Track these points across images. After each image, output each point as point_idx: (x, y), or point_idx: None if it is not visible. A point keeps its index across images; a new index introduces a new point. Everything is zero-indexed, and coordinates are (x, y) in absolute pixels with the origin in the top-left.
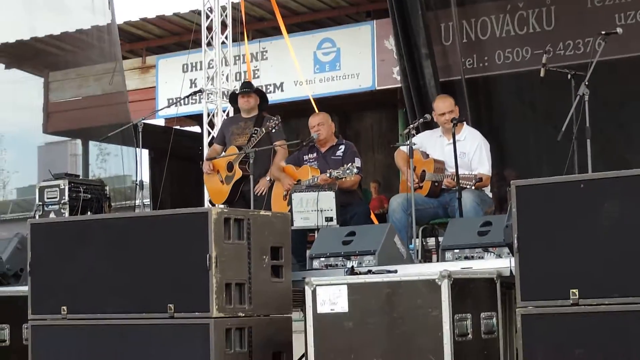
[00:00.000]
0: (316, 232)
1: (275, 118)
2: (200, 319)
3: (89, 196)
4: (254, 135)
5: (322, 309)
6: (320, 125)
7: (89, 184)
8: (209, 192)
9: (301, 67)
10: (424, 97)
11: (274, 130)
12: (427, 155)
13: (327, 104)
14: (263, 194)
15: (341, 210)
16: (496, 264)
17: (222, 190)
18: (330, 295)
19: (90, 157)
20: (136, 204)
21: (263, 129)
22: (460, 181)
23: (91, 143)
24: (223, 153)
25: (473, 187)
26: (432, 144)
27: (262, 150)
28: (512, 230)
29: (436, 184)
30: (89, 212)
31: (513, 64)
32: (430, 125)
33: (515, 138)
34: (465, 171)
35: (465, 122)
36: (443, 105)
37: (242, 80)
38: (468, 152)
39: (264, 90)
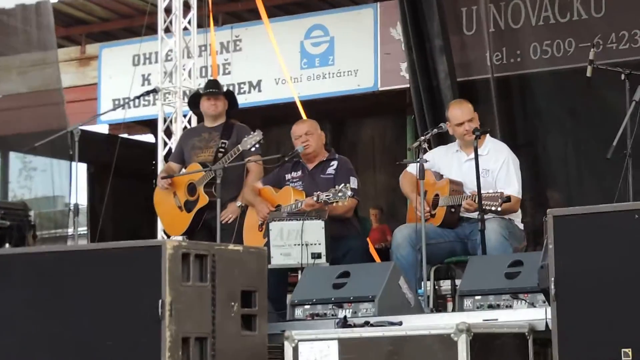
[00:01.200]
0: (300, 272)
1: (255, 133)
2: None
3: (8, 223)
4: (221, 149)
5: None
6: (308, 135)
7: (8, 207)
8: (163, 220)
9: (284, 61)
10: (437, 101)
11: (252, 149)
12: (441, 177)
13: (317, 108)
14: (232, 222)
15: (332, 245)
16: (528, 315)
17: (180, 218)
18: (316, 354)
19: (11, 172)
20: (69, 234)
21: (239, 146)
22: (483, 202)
23: (12, 154)
24: (183, 170)
25: (499, 209)
26: (446, 162)
27: (232, 168)
28: (549, 272)
29: (452, 210)
30: (7, 245)
31: (552, 60)
32: (445, 138)
33: (554, 154)
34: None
35: (488, 134)
36: (460, 113)
37: (209, 78)
38: (492, 170)
39: (236, 90)
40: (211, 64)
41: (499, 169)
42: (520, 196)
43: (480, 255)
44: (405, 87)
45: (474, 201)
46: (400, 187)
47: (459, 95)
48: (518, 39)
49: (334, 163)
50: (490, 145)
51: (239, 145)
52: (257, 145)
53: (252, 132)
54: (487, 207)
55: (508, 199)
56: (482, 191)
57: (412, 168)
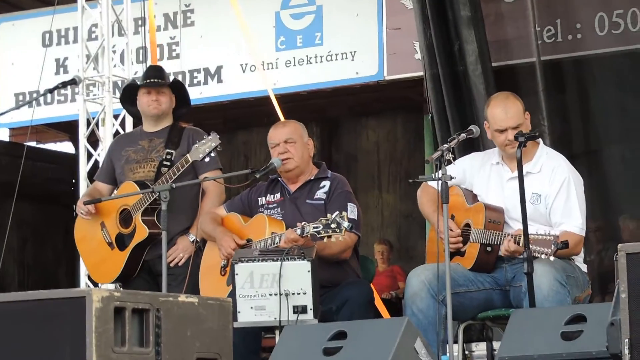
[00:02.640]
0: (277, 332)
1: (210, 137)
2: None
3: None
4: (165, 163)
5: None
6: (289, 143)
7: None
8: (87, 261)
9: (254, 40)
10: (465, 94)
11: (207, 159)
12: (475, 198)
13: (300, 105)
14: (184, 264)
15: (322, 294)
16: None
17: (110, 258)
18: None
19: None
20: None
21: (188, 155)
22: (532, 247)
23: None
24: (115, 192)
25: (552, 258)
26: (483, 178)
27: (182, 189)
28: (621, 331)
29: (489, 249)
30: None
31: (625, 36)
32: (477, 145)
33: (628, 168)
34: (541, 227)
35: (541, 141)
36: (504, 115)
37: (149, 64)
38: (546, 194)
39: (187, 80)
40: (150, 44)
41: (556, 193)
42: (583, 234)
43: (526, 307)
44: (420, 75)
45: (518, 243)
46: (418, 206)
47: (494, 85)
48: (578, 8)
49: (325, 184)
50: (545, 159)
51: (187, 155)
52: (212, 155)
53: (205, 137)
54: (536, 255)
55: (565, 245)
56: (531, 225)
57: (435, 182)
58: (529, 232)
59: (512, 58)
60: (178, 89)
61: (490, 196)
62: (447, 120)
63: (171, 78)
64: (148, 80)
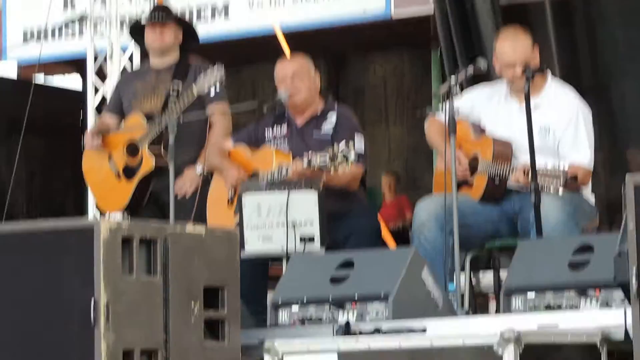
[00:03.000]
0: (285, 261)
1: (214, 67)
2: None
3: None
4: (172, 95)
5: None
6: (296, 77)
7: None
8: (95, 192)
9: None
10: (473, 31)
11: (211, 91)
12: (483, 130)
13: (307, 42)
14: (191, 195)
15: (329, 225)
16: (601, 318)
17: (118, 189)
18: None
19: None
20: None
21: (194, 86)
22: (539, 179)
23: None
24: (121, 126)
25: (560, 190)
26: (491, 110)
27: (189, 122)
28: (629, 261)
29: (497, 180)
30: None
31: None
32: (489, 77)
33: (635, 101)
34: (549, 160)
35: (549, 74)
36: (512, 51)
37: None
38: (555, 127)
39: (194, 17)
40: None
41: (565, 126)
42: (592, 167)
43: (534, 238)
44: (427, 12)
45: (526, 176)
46: (426, 138)
47: (503, 22)
48: None
49: (332, 116)
50: (554, 91)
51: (193, 87)
52: (217, 87)
53: (209, 68)
54: (545, 187)
55: (574, 177)
56: (539, 157)
57: (442, 114)
58: (538, 165)
59: None
60: (184, 24)
61: (499, 129)
62: (454, 54)
63: (177, 15)
64: (153, 17)
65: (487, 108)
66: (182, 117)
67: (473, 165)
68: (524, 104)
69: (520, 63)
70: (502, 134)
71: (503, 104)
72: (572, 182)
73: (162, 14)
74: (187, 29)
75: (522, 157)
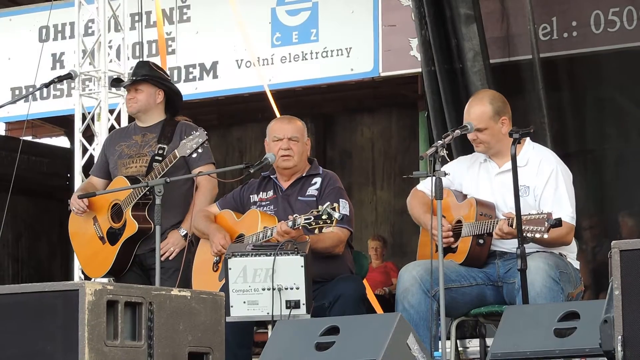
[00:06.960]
0: (270, 327)
1: (197, 133)
2: None
3: None
4: (157, 158)
5: None
6: (292, 141)
7: None
8: (80, 255)
9: (250, 35)
10: (462, 90)
11: (194, 154)
12: (465, 197)
13: (295, 101)
14: (176, 258)
15: (316, 290)
16: None
17: (102, 253)
18: None
19: None
20: None
21: (176, 152)
22: (525, 227)
23: None
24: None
25: (545, 235)
26: (471, 176)
27: (174, 184)
28: (614, 328)
29: (481, 241)
30: None
31: (621, 34)
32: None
33: (624, 165)
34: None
35: (528, 137)
36: (467, 114)
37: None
38: (534, 185)
39: (182, 75)
40: (157, 39)
41: (544, 184)
42: (574, 222)
43: (520, 304)
44: (416, 71)
45: (510, 226)
46: (408, 211)
47: (492, 82)
48: (573, 6)
49: (317, 180)
50: (531, 153)
51: (175, 151)
52: (200, 150)
53: (193, 132)
54: (529, 235)
55: (558, 222)
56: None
57: (425, 185)
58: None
59: (512, 55)
60: (162, 83)
61: (480, 191)
62: (443, 117)
63: (167, 72)
64: (130, 79)
65: (467, 175)
66: (167, 180)
67: (457, 231)
68: (504, 166)
69: (481, 132)
70: (483, 196)
71: (483, 167)
72: (556, 226)
73: (135, 76)
74: (167, 88)
75: (503, 215)
